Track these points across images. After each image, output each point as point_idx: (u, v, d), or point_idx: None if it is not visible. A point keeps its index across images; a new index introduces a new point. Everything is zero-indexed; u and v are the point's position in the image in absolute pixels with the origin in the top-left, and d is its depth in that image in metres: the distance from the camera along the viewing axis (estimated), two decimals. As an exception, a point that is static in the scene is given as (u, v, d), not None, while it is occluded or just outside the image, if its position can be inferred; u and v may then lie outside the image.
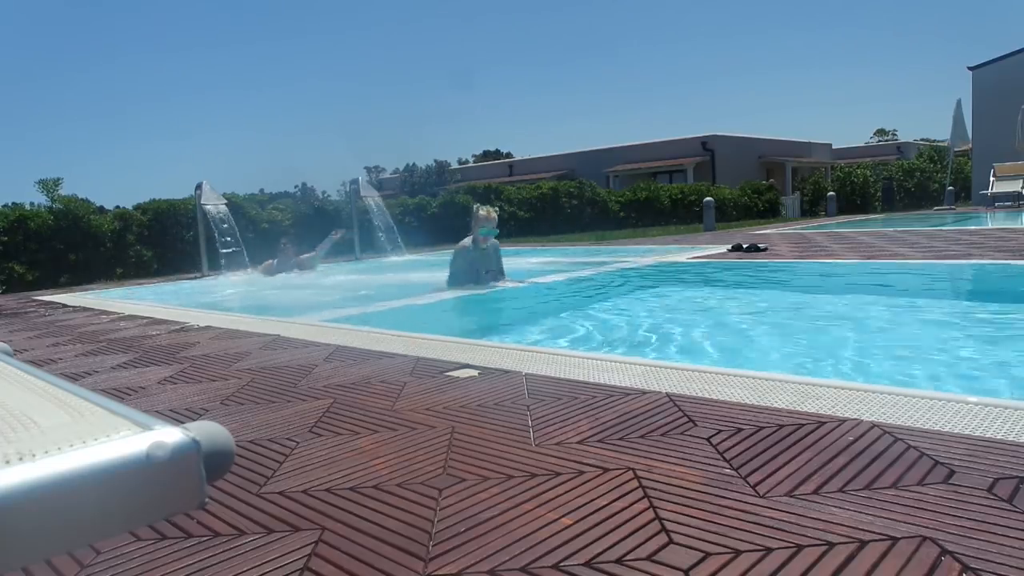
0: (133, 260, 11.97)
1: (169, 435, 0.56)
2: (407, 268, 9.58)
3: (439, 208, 16.51)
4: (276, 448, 2.06)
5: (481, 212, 6.23)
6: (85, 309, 6.64)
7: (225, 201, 10.35)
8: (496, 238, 6.35)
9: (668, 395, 2.31)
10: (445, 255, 11.00)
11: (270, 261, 9.72)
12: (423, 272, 8.75)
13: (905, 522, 1.36)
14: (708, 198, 15.48)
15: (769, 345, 3.69)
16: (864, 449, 1.73)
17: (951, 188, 20.91)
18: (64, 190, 12.09)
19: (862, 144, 40.98)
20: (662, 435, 1.93)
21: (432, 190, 23.58)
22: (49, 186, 11.85)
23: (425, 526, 1.49)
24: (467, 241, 6.21)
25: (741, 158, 27.92)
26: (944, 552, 1.24)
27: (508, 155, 50.53)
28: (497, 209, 6.43)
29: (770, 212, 22.56)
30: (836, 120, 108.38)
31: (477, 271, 6.17)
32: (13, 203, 12.12)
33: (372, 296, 6.75)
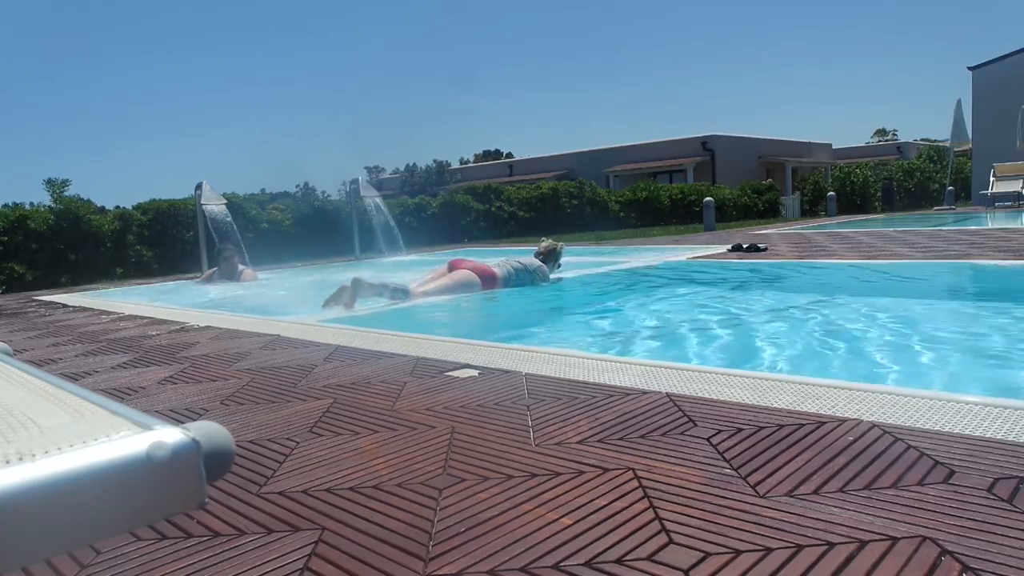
0: (133, 260, 11.97)
1: (169, 435, 0.56)
2: (391, 269, 9.44)
3: (439, 208, 16.51)
4: (276, 448, 2.06)
5: (563, 258, 6.45)
6: (85, 309, 6.64)
7: (225, 201, 10.29)
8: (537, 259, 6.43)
9: (668, 395, 2.31)
10: (444, 255, 11.02)
11: (212, 270, 8.99)
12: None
13: (905, 522, 1.36)
14: (708, 198, 15.48)
15: (769, 345, 3.69)
16: (864, 449, 1.73)
17: (951, 188, 20.91)
18: (70, 191, 12.07)
19: (862, 144, 41.01)
20: (662, 435, 1.93)
21: (432, 190, 23.60)
22: (57, 187, 11.84)
23: (425, 526, 1.49)
24: (532, 262, 6.25)
25: (741, 158, 27.93)
26: (944, 552, 1.24)
27: (508, 155, 50.56)
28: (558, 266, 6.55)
29: (770, 212, 22.56)
30: (836, 120, 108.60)
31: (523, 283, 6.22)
32: (13, 203, 12.14)
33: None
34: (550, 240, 6.66)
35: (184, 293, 8.19)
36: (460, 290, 5.82)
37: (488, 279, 5.95)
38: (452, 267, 6.07)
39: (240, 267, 8.80)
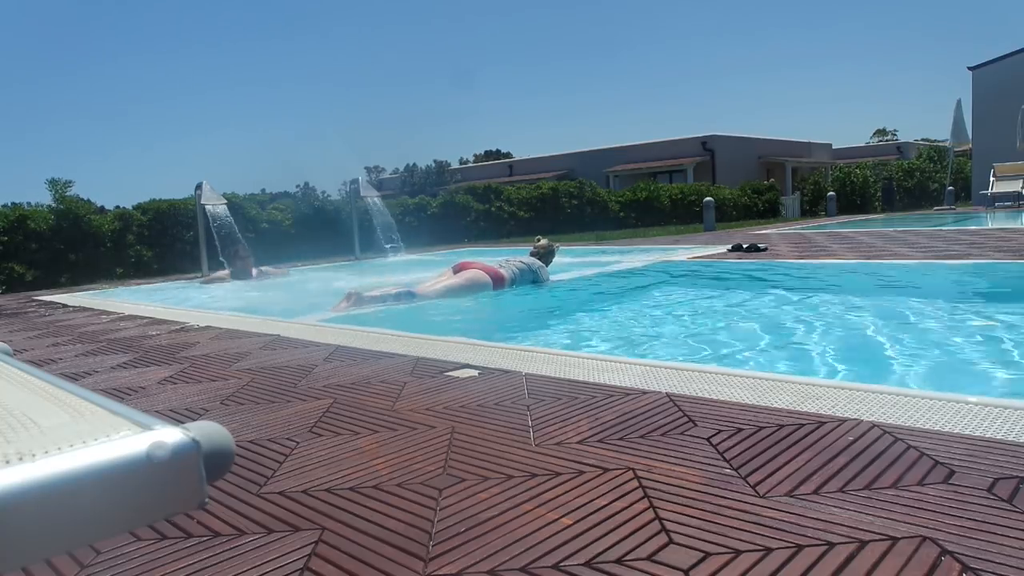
0: (133, 260, 11.97)
1: (169, 435, 0.56)
2: (391, 269, 9.40)
3: (439, 208, 16.51)
4: (276, 448, 2.06)
5: (563, 258, 6.76)
6: (85, 309, 6.63)
7: (225, 201, 10.25)
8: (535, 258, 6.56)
9: (668, 395, 2.31)
10: (443, 255, 11.02)
11: (224, 271, 8.73)
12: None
13: (905, 522, 1.36)
14: (708, 198, 15.48)
15: (769, 344, 3.69)
16: (864, 449, 1.73)
17: (951, 188, 20.91)
18: (71, 191, 12.04)
19: (862, 144, 41.04)
20: (662, 435, 1.93)
21: (432, 190, 23.60)
22: (59, 187, 11.82)
23: (425, 526, 1.49)
24: (533, 262, 6.32)
25: (741, 158, 27.95)
26: (944, 552, 1.24)
27: (508, 155, 50.54)
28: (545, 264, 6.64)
29: (770, 212, 22.57)
30: (836, 120, 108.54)
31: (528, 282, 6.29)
32: (13, 203, 12.13)
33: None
34: (546, 240, 6.77)
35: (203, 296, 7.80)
36: (471, 290, 5.78)
37: (497, 280, 5.96)
38: (458, 269, 6.05)
39: (254, 269, 8.73)
